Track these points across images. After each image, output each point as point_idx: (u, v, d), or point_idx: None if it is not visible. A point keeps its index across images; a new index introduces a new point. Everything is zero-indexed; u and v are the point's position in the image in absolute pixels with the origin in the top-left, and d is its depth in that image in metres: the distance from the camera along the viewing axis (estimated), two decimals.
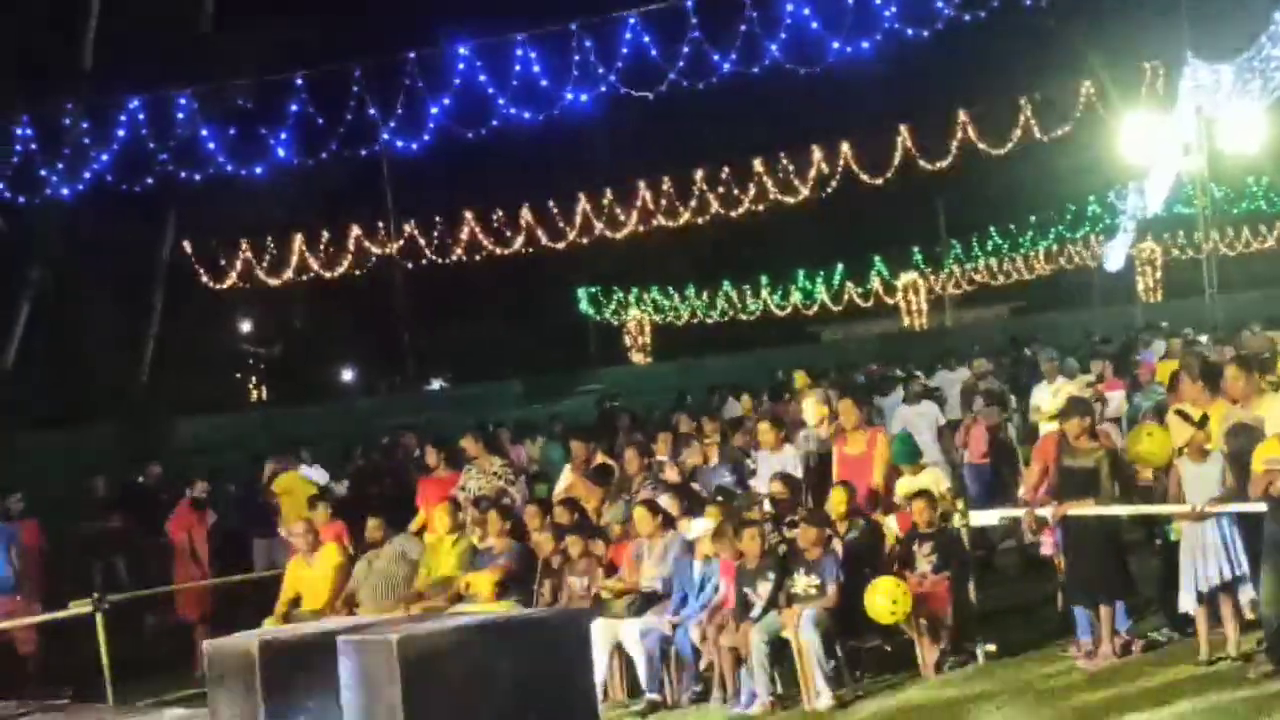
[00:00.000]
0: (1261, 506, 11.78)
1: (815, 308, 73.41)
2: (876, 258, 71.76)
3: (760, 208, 54.38)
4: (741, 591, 13.66)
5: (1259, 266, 65.57)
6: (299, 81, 27.85)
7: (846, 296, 73.14)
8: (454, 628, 8.64)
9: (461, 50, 26.23)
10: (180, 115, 28.99)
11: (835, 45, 25.57)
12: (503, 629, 8.30)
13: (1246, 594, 12.23)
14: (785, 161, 52.53)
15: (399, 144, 31.32)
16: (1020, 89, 50.21)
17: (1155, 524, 13.59)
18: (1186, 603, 12.55)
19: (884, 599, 13.02)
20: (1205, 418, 12.84)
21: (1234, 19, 38.49)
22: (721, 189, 53.60)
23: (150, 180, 30.65)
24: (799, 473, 15.78)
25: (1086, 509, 13.02)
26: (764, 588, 13.53)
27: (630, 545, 14.98)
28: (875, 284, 72.93)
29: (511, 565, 15.27)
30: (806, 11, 24.91)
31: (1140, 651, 13.13)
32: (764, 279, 71.61)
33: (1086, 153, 54.26)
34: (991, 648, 13.78)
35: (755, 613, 13.45)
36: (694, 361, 58.36)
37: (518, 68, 26.37)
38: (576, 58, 25.43)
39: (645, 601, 14.38)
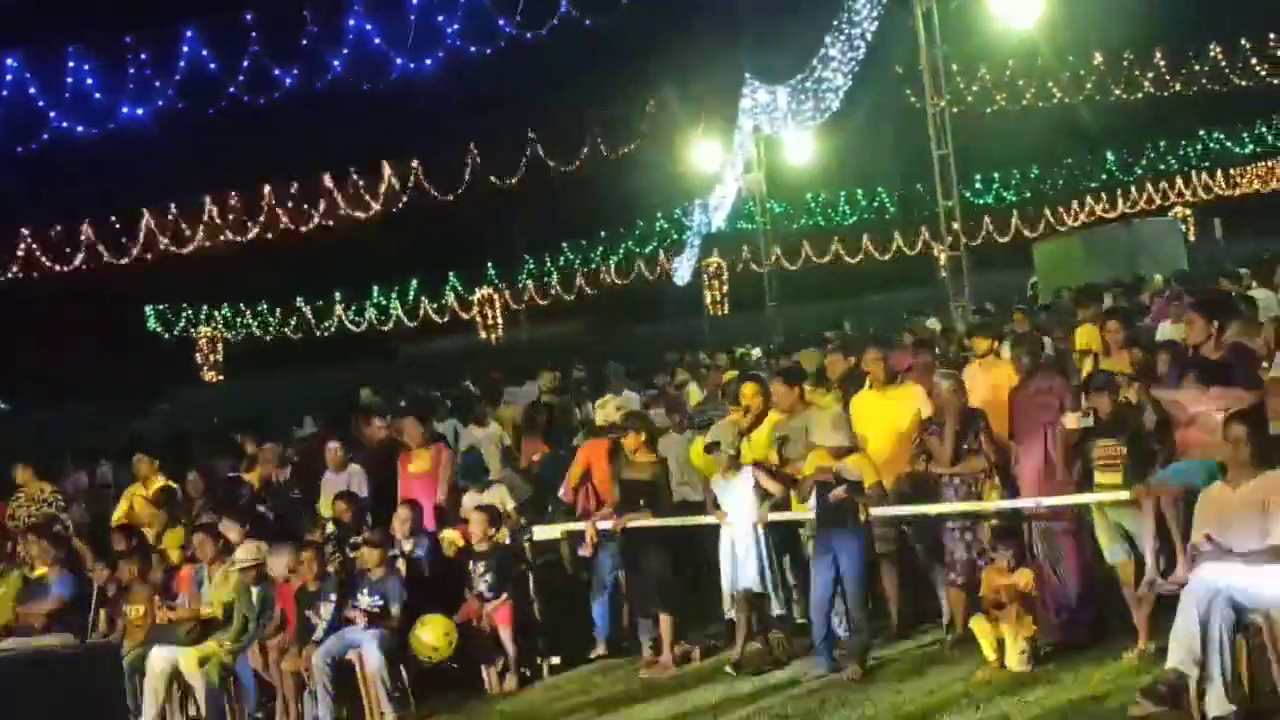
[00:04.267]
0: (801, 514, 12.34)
1: (391, 323, 73.08)
2: (451, 273, 71.92)
3: (331, 223, 53.88)
4: (303, 614, 13.47)
5: (817, 280, 68.32)
6: None
7: (422, 312, 73.04)
8: None
9: (9, 61, 25.18)
10: None
11: (399, 62, 25.54)
12: (31, 663, 7.94)
13: (783, 598, 12.75)
14: (356, 177, 52.24)
15: None
16: (587, 107, 51.08)
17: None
18: (728, 609, 12.98)
19: (429, 637, 13.04)
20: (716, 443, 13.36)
21: (789, 43, 39.94)
22: (291, 204, 52.89)
23: None
24: (364, 492, 15.66)
25: (645, 521, 13.29)
26: (326, 610, 13.38)
27: (190, 570, 14.62)
28: (450, 299, 73.07)
29: (64, 595, 14.73)
30: (369, 28, 24.82)
31: (700, 659, 13.45)
32: (338, 295, 70.96)
33: (653, 170, 55.59)
34: (556, 660, 13.94)
35: (317, 635, 13.29)
36: (267, 379, 57.46)
37: (70, 80, 25.44)
38: (132, 71, 24.68)
39: (205, 628, 14.04)
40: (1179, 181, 78.53)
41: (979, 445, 12.18)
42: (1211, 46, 56.57)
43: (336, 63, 25.37)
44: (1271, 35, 54.85)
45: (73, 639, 13.98)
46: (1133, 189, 78.07)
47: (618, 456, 13.74)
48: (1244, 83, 58.58)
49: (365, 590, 13.36)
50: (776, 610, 12.79)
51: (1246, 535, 9.47)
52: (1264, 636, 9.21)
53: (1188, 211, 70.51)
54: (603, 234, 72.76)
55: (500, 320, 73.82)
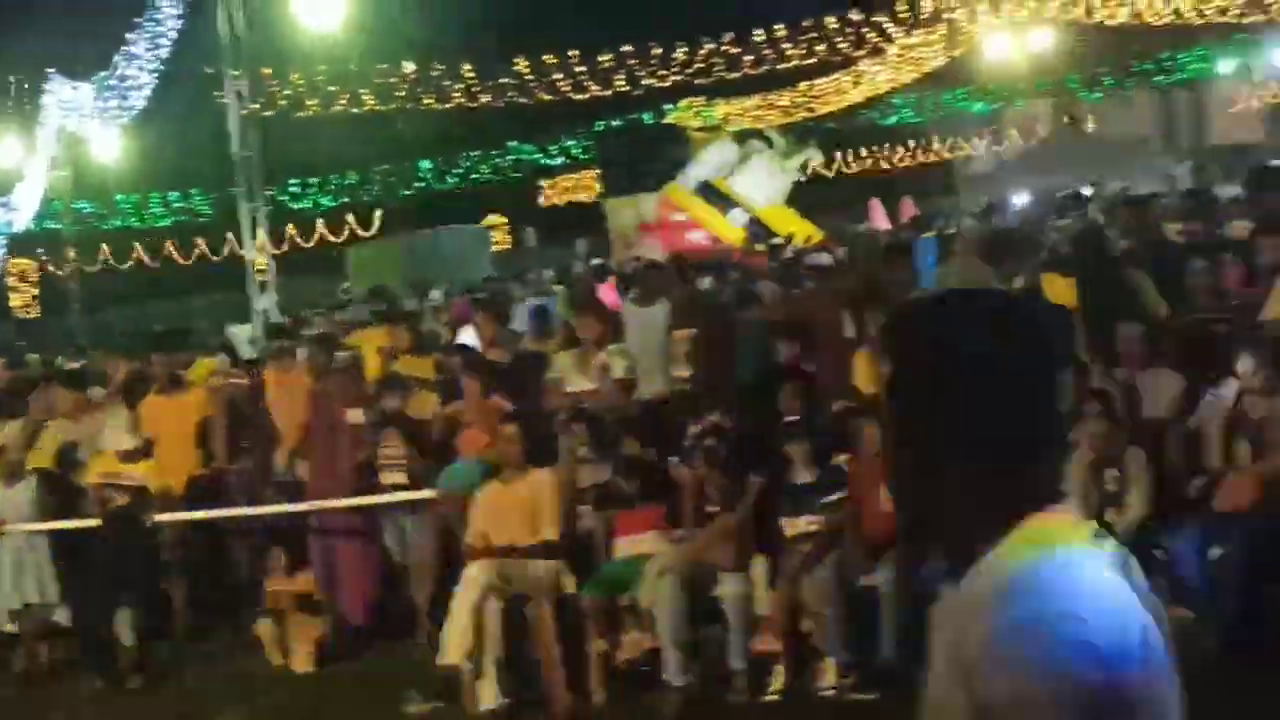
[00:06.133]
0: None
1: None
2: None
3: None
4: None
5: (129, 282, 66.65)
6: None
7: None
8: None
9: None
10: None
11: None
12: None
13: (61, 614, 12.32)
14: None
15: None
16: None
17: None
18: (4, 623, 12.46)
19: None
20: None
21: (92, 38, 39.03)
22: None
23: None
24: None
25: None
26: None
27: None
28: None
29: None
30: None
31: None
32: None
33: None
34: None
35: None
36: None
37: None
38: None
39: None
40: (493, 192, 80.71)
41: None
42: (517, 60, 58.43)
43: None
44: (571, 53, 57.28)
45: None
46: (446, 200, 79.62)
47: None
48: (549, 97, 60.83)
49: None
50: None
51: (519, 531, 9.84)
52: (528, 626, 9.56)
53: (503, 220, 72.85)
54: None
55: None
